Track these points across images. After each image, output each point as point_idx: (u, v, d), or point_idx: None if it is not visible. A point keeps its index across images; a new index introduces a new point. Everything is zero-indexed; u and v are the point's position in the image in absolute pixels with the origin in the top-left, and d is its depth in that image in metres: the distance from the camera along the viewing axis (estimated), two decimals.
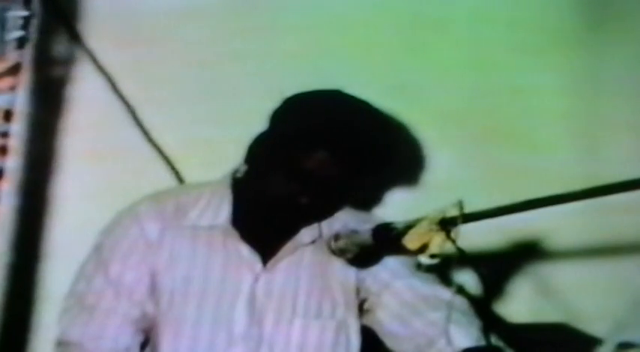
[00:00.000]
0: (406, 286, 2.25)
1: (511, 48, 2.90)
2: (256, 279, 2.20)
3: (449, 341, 2.13)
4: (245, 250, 2.20)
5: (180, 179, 2.65)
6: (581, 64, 2.96)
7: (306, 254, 2.24)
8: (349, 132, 2.13)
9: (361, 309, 2.29)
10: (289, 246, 2.23)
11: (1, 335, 2.23)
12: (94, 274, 2.22)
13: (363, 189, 2.24)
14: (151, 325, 2.21)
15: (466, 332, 2.16)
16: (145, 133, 2.64)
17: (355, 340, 2.26)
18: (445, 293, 2.23)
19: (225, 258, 2.20)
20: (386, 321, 2.26)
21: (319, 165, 2.11)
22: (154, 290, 2.19)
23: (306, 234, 2.24)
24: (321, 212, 2.21)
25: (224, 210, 2.21)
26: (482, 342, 2.14)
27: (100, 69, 2.60)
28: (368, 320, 2.30)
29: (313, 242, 2.24)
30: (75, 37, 2.58)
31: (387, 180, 2.75)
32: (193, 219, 2.22)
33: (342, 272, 2.24)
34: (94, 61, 2.59)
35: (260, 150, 2.20)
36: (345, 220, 2.25)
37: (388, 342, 2.28)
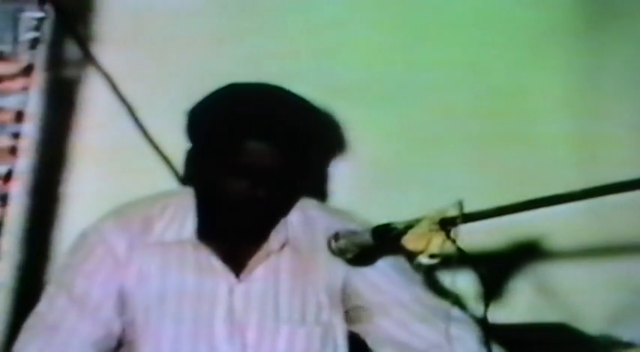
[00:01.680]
0: (412, 297, 2.22)
1: (511, 48, 2.90)
2: (232, 291, 2.17)
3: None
4: (217, 264, 2.17)
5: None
6: (581, 64, 2.96)
7: (283, 258, 2.21)
8: (274, 115, 2.12)
9: (353, 316, 2.26)
10: (260, 254, 2.19)
11: (10, 335, 2.23)
12: (57, 294, 2.17)
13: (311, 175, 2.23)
14: (115, 345, 2.17)
15: (479, 339, 2.16)
16: (146, 135, 2.64)
17: (342, 342, 2.23)
18: (453, 309, 2.19)
19: (198, 271, 2.16)
20: (391, 330, 2.23)
21: (254, 155, 2.09)
22: (122, 308, 2.15)
23: (275, 239, 2.20)
24: (280, 203, 2.17)
25: (189, 223, 2.18)
26: None
27: (101, 71, 2.60)
28: (362, 328, 2.26)
29: (282, 247, 2.21)
30: (80, 41, 2.58)
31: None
32: (159, 235, 2.18)
33: (327, 273, 2.21)
34: (95, 63, 2.60)
35: (197, 167, 2.18)
36: (328, 222, 2.23)
37: (387, 351, 2.25)
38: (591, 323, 2.76)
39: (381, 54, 2.81)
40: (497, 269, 2.72)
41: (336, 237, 2.08)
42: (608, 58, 2.97)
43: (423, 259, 1.94)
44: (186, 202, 2.21)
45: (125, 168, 2.62)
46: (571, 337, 2.70)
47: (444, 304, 2.20)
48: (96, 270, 2.16)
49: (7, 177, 2.15)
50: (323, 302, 2.22)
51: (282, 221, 2.22)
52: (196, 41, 2.69)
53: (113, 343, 2.17)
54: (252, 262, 2.19)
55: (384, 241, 2.04)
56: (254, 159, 2.10)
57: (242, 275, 2.18)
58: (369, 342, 2.28)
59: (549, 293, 2.86)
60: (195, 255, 2.17)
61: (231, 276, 2.18)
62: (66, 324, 2.14)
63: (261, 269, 2.20)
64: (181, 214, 2.20)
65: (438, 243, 1.91)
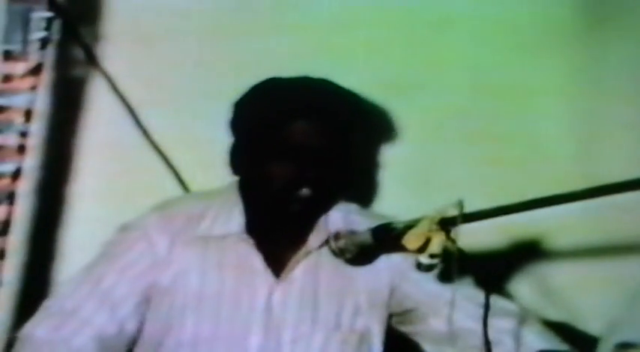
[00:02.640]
0: (463, 295, 2.16)
1: (511, 48, 2.90)
2: (271, 292, 2.17)
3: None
4: (258, 262, 2.17)
5: (184, 186, 2.65)
6: (581, 64, 2.96)
7: (323, 258, 2.19)
8: (319, 97, 2.15)
9: (402, 319, 2.27)
10: (300, 253, 2.19)
11: (16, 333, 2.23)
12: (84, 281, 2.18)
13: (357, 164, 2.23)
14: (125, 344, 2.17)
15: (542, 336, 2.20)
16: (147, 136, 2.65)
17: (378, 348, 2.23)
18: (509, 305, 2.23)
19: (238, 271, 2.16)
20: (442, 328, 2.21)
21: (302, 135, 2.11)
22: (146, 308, 2.16)
23: (315, 237, 2.20)
24: (328, 188, 2.16)
25: (236, 218, 2.18)
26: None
27: (104, 73, 2.60)
28: (414, 329, 2.28)
29: (322, 245, 2.19)
30: (83, 44, 2.58)
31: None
32: (205, 230, 2.18)
33: (370, 276, 2.21)
34: (98, 65, 2.60)
35: (243, 158, 2.19)
36: (369, 225, 2.19)
37: (441, 349, 2.25)
38: (591, 323, 2.76)
39: (382, 54, 2.82)
40: (497, 269, 2.73)
41: (337, 236, 2.08)
42: (608, 58, 2.96)
43: (423, 259, 1.94)
44: (231, 198, 2.21)
45: (130, 167, 2.62)
46: (571, 337, 2.70)
47: (495, 298, 2.15)
48: (130, 266, 2.16)
49: (16, 175, 2.16)
50: (361, 306, 2.22)
51: (323, 220, 2.23)
52: (200, 42, 2.69)
53: (122, 342, 2.17)
54: (292, 261, 2.19)
55: (384, 241, 2.04)
56: (300, 140, 2.11)
57: (282, 275, 2.18)
58: (422, 342, 2.29)
59: (549, 292, 2.86)
60: (236, 250, 2.17)
61: (270, 276, 2.17)
62: (82, 313, 2.15)
63: (300, 268, 2.20)
64: (226, 210, 2.20)
65: (438, 243, 1.92)
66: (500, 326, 2.17)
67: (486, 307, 1.93)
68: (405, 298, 2.25)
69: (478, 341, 2.16)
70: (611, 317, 2.36)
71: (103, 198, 2.57)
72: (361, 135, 2.23)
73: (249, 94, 2.21)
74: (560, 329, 2.76)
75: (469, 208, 1.90)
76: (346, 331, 2.20)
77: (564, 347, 2.20)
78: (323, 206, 2.21)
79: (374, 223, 2.17)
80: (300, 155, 2.10)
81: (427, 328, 2.26)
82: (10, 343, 2.18)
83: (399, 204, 2.71)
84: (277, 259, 2.19)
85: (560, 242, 2.87)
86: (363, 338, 2.22)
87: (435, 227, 1.92)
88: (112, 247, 2.22)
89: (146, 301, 2.16)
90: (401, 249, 1.96)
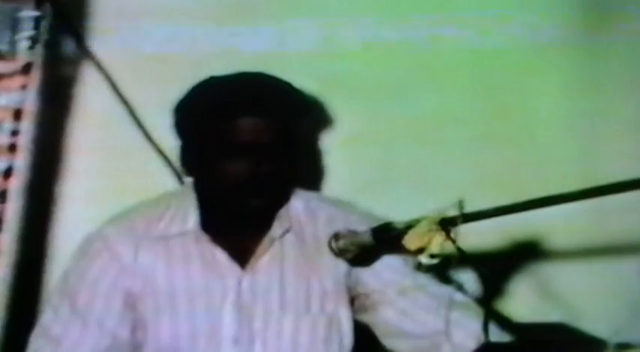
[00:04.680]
0: (415, 284, 2.22)
1: (511, 48, 2.90)
2: (239, 283, 2.18)
3: (454, 337, 2.12)
4: (220, 255, 2.18)
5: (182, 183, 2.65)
6: (581, 64, 2.96)
7: (287, 246, 2.22)
8: (258, 92, 2.16)
9: (357, 305, 2.27)
10: (264, 243, 2.20)
11: (6, 333, 2.23)
12: (61, 304, 2.17)
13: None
14: (126, 350, 2.17)
15: (468, 330, 2.15)
16: (146, 135, 2.64)
17: (348, 331, 2.24)
18: (456, 295, 2.21)
19: (204, 267, 2.17)
20: (395, 319, 2.24)
21: (251, 132, 2.12)
22: (130, 313, 2.16)
23: (278, 226, 2.22)
24: (283, 180, 2.17)
25: (192, 215, 2.19)
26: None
27: (100, 68, 2.60)
28: (367, 318, 2.28)
29: (285, 233, 2.22)
30: (78, 39, 2.57)
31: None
32: (163, 230, 2.19)
33: (332, 261, 2.20)
34: (94, 60, 2.60)
35: (194, 159, 2.20)
36: (330, 211, 2.26)
37: (392, 340, 2.26)
38: (591, 323, 2.76)
39: (382, 53, 2.82)
40: (497, 269, 2.72)
41: (337, 237, 2.09)
42: (608, 58, 2.96)
43: (424, 259, 1.94)
44: (187, 197, 2.22)
45: (121, 165, 2.62)
46: (571, 337, 2.70)
47: (447, 289, 2.19)
48: (98, 279, 2.16)
49: (7, 174, 2.16)
50: (328, 290, 2.23)
51: (285, 208, 2.24)
52: (197, 37, 2.69)
53: (123, 348, 2.17)
54: (256, 252, 2.20)
55: (384, 241, 2.04)
56: (251, 136, 2.12)
57: (247, 266, 2.19)
58: (377, 333, 2.29)
59: (549, 293, 2.86)
60: (198, 247, 2.18)
61: (236, 268, 2.18)
62: (70, 337, 2.14)
63: (266, 258, 2.21)
64: (183, 208, 2.21)
65: (438, 243, 1.92)
66: (448, 317, 2.17)
67: (487, 310, 1.92)
68: (358, 283, 2.26)
69: (427, 332, 2.20)
70: (610, 317, 2.36)
71: (94, 197, 2.57)
72: (303, 125, 2.24)
73: (189, 97, 2.21)
74: (560, 330, 2.77)
75: (469, 208, 1.89)
76: (316, 314, 2.21)
77: (506, 337, 2.18)
78: (280, 201, 2.22)
79: (334, 209, 2.26)
80: (249, 151, 2.12)
81: (377, 317, 2.27)
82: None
83: (398, 205, 2.71)
84: (241, 251, 2.20)
85: (560, 242, 2.87)
86: (332, 321, 2.22)
87: (435, 227, 1.92)
88: (76, 262, 2.21)
89: (128, 306, 2.16)
90: (401, 249, 1.96)
